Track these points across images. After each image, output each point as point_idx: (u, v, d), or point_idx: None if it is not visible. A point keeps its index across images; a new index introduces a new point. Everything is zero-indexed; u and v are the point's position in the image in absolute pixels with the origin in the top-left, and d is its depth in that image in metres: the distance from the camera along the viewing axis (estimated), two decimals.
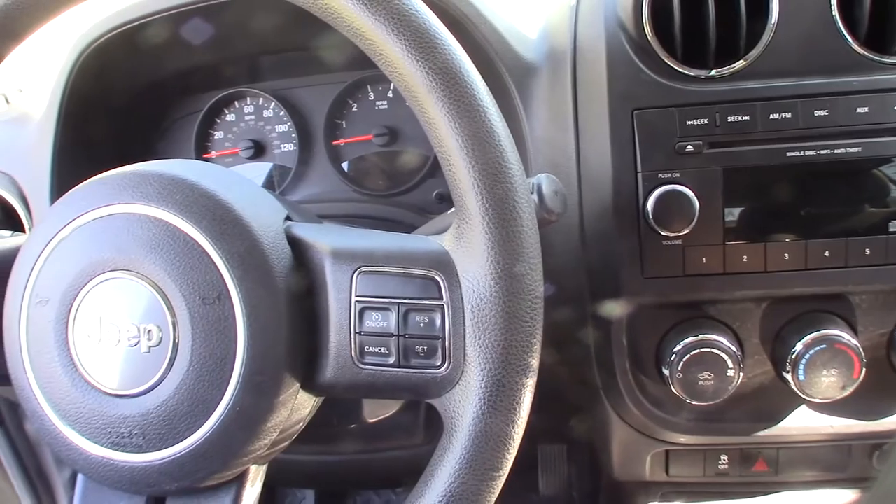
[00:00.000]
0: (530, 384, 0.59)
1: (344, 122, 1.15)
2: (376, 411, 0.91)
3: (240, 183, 0.68)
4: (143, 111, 1.18)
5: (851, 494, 1.03)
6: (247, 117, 1.18)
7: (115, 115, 1.15)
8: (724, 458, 1.01)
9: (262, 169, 1.18)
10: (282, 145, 1.17)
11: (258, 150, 1.17)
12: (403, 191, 1.11)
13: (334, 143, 1.15)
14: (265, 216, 0.65)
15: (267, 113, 1.17)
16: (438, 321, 0.60)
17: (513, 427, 0.58)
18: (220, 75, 1.16)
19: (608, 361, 0.94)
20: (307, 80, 1.16)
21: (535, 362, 0.59)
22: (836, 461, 1.01)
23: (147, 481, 0.63)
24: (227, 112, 1.19)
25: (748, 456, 1.01)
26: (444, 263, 0.60)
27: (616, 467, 1.06)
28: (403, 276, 0.61)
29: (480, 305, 0.58)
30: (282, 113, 1.16)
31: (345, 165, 1.15)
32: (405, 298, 0.61)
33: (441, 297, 0.60)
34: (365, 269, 0.62)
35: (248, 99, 1.18)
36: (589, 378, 0.97)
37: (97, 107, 1.11)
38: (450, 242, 0.61)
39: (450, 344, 0.59)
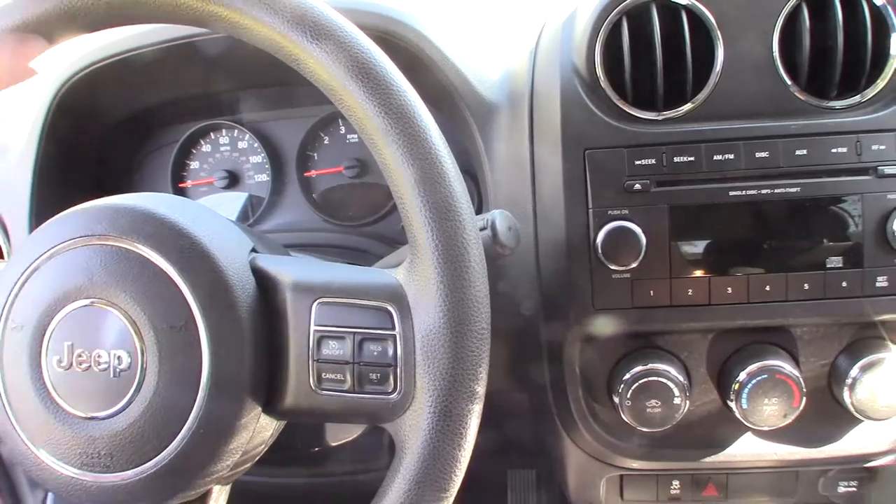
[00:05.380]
0: (477, 410, 0.63)
1: (316, 154, 1.19)
2: (339, 435, 0.94)
3: (208, 216, 0.72)
4: (121, 143, 1.21)
5: None
6: (222, 148, 1.22)
7: (93, 147, 1.19)
8: (675, 483, 1.04)
9: (238, 199, 1.22)
10: (255, 176, 1.21)
11: (232, 180, 1.20)
12: (372, 221, 1.15)
13: (306, 174, 1.19)
14: (231, 248, 0.68)
15: (241, 144, 1.21)
16: (391, 350, 0.64)
17: (459, 450, 0.62)
18: (197, 108, 1.20)
19: (562, 389, 0.98)
20: (281, 114, 1.20)
21: (481, 390, 0.63)
22: (783, 487, 1.05)
23: (115, 500, 0.65)
24: (202, 143, 1.22)
25: (699, 481, 1.04)
26: (397, 296, 0.64)
27: (572, 491, 1.09)
28: (359, 307, 0.65)
29: (430, 336, 0.62)
30: (256, 145, 1.20)
31: (316, 196, 1.19)
32: (360, 328, 0.64)
33: (393, 328, 0.64)
34: (323, 300, 0.66)
35: (224, 131, 1.22)
36: (545, 405, 1.00)
37: (76, 139, 1.14)
38: (403, 276, 0.65)
39: (401, 371, 0.63)
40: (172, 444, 0.64)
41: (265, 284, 0.68)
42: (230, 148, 1.22)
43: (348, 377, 0.64)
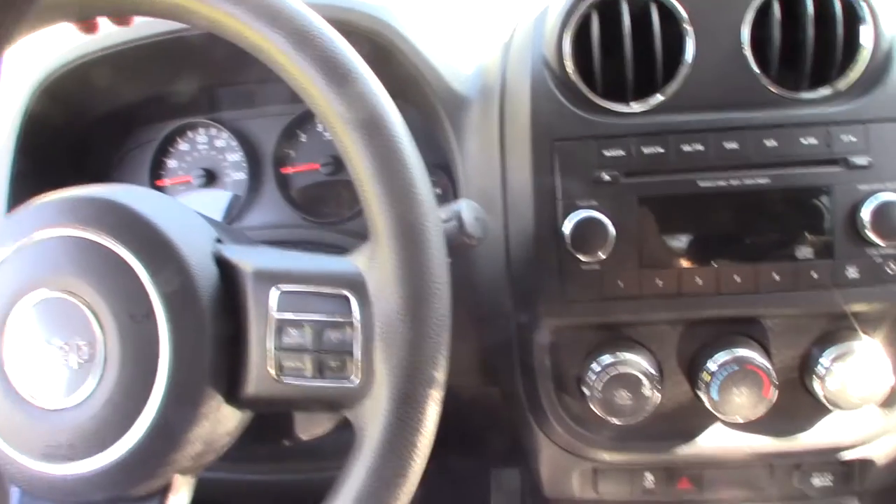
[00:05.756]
0: (436, 396, 0.63)
1: (293, 152, 1.19)
2: (309, 429, 0.93)
3: (172, 207, 0.72)
4: (100, 141, 1.22)
5: None
6: (199, 146, 1.22)
7: (71, 144, 1.18)
8: (649, 476, 1.04)
9: (222, 198, 1.22)
10: (233, 174, 1.21)
11: (210, 178, 1.20)
12: (349, 218, 1.15)
13: (283, 171, 1.19)
14: (194, 238, 0.69)
15: (219, 142, 1.21)
16: (350, 337, 0.64)
17: (418, 437, 0.62)
18: (175, 106, 1.20)
19: (532, 381, 0.98)
20: (258, 112, 1.20)
21: (440, 376, 0.63)
22: (758, 480, 1.04)
23: (75, 492, 0.66)
24: (180, 141, 1.23)
25: (672, 475, 1.04)
26: (356, 283, 0.65)
27: (546, 485, 1.08)
28: (318, 295, 0.65)
29: (389, 323, 0.62)
30: (233, 143, 1.20)
31: (293, 193, 1.19)
32: (319, 315, 0.65)
33: (352, 315, 0.64)
34: (283, 287, 0.66)
35: (201, 129, 1.22)
36: (516, 398, 1.00)
37: (54, 136, 1.15)
38: (363, 263, 0.65)
39: (361, 359, 0.64)
40: (133, 433, 0.64)
41: (227, 273, 0.68)
42: (208, 146, 1.22)
43: (308, 365, 0.65)
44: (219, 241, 0.72)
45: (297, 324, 0.65)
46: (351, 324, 0.64)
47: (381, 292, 0.63)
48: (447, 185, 1.11)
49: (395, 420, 0.61)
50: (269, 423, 0.91)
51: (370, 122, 0.62)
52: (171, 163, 1.23)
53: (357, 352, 0.64)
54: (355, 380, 0.64)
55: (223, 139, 1.21)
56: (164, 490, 0.68)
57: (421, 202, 0.63)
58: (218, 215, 1.19)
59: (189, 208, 0.75)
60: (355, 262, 0.66)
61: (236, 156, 1.20)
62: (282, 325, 0.65)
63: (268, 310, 0.66)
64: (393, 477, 0.62)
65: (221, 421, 0.68)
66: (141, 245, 0.66)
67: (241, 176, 1.20)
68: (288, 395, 0.66)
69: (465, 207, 0.77)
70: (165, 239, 0.66)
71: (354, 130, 0.62)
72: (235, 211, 1.20)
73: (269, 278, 0.66)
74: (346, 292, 0.64)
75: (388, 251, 0.62)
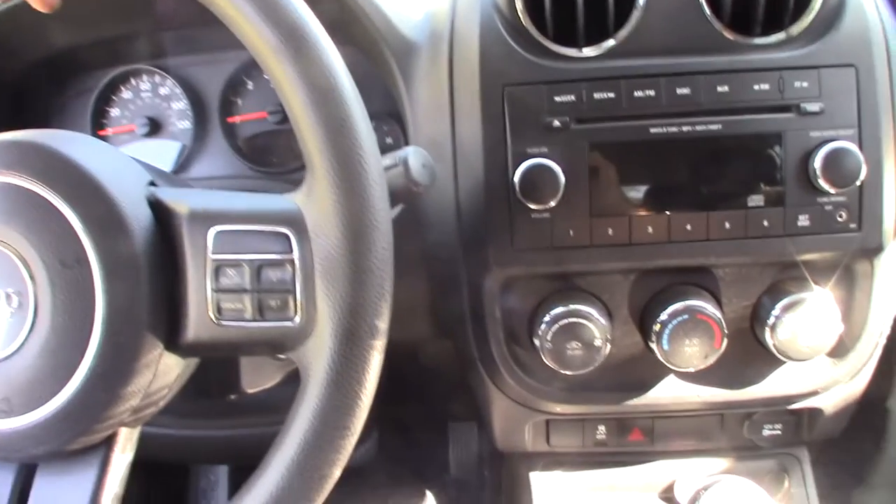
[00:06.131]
0: (382, 331, 0.62)
1: (239, 100, 1.15)
2: (255, 382, 0.92)
3: (101, 150, 0.69)
4: (36, 88, 1.17)
5: (725, 462, 1.07)
6: (143, 94, 1.18)
7: (7, 92, 1.14)
8: (601, 428, 1.04)
9: (172, 148, 1.18)
10: (178, 123, 1.17)
11: (154, 127, 1.17)
12: (297, 168, 1.12)
13: (229, 120, 1.15)
14: (125, 181, 0.66)
15: (163, 90, 1.17)
16: (289, 275, 0.62)
17: (365, 374, 0.61)
18: (116, 52, 1.16)
19: (483, 333, 0.96)
20: (203, 58, 1.16)
21: (385, 311, 0.62)
22: (709, 431, 1.05)
23: (14, 447, 0.63)
24: (123, 89, 1.18)
25: (624, 426, 1.04)
26: (294, 220, 0.62)
27: (498, 438, 1.08)
28: (256, 234, 0.63)
29: (328, 259, 0.61)
30: (178, 90, 1.16)
31: (240, 143, 1.16)
32: (257, 254, 0.63)
33: (291, 252, 0.62)
34: (219, 227, 0.63)
35: (145, 76, 1.18)
36: (468, 351, 0.99)
37: None
38: (301, 200, 0.63)
39: (301, 297, 0.62)
40: (70, 384, 0.61)
41: (161, 216, 0.65)
42: (151, 94, 1.18)
43: (248, 305, 0.63)
44: (152, 184, 0.69)
45: (234, 264, 0.63)
46: (291, 261, 0.62)
47: (319, 227, 0.61)
48: (398, 134, 1.09)
49: (339, 358, 0.60)
50: (216, 377, 0.89)
51: (302, 50, 0.60)
52: (114, 111, 1.18)
53: (298, 290, 0.62)
54: (297, 319, 0.62)
55: (167, 87, 1.17)
56: (108, 444, 0.66)
57: (357, 131, 0.61)
58: (168, 166, 1.15)
59: (120, 151, 0.72)
60: (293, 199, 0.64)
61: (181, 104, 1.17)
62: (219, 266, 0.63)
63: (205, 251, 0.63)
64: (340, 415, 0.61)
65: (162, 370, 0.65)
66: (69, 189, 0.62)
67: (186, 125, 1.17)
68: (229, 338, 0.64)
69: (412, 154, 0.75)
70: (95, 182, 0.63)
71: (286, 59, 0.60)
72: (183, 161, 1.16)
73: (205, 219, 0.64)
74: (284, 229, 0.62)
75: (325, 184, 0.60)
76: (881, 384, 1.05)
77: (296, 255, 0.62)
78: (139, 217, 0.63)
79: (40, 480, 0.67)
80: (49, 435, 0.62)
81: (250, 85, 1.15)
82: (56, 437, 0.63)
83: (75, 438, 0.63)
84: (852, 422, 1.05)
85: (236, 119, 1.15)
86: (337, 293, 0.60)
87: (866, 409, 1.04)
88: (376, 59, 1.01)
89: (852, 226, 0.89)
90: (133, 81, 1.18)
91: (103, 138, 1.18)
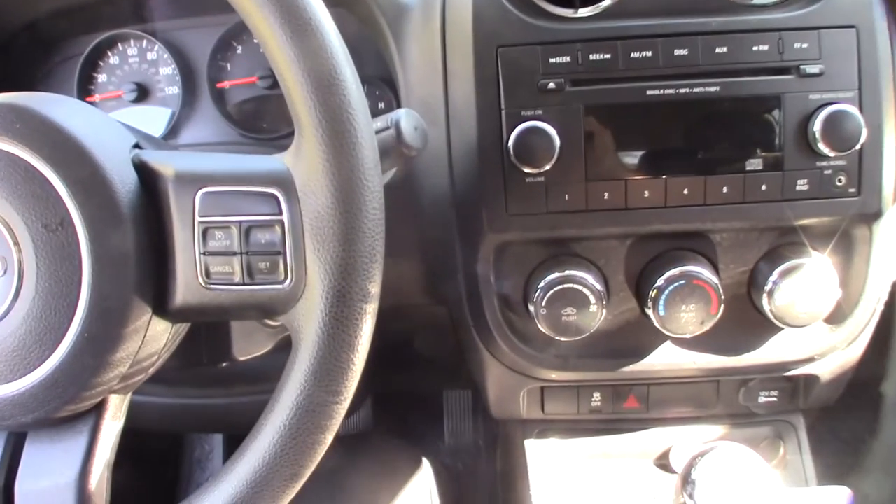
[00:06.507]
0: (374, 295, 0.60)
1: (228, 65, 1.13)
2: (247, 349, 0.91)
3: (84, 111, 0.68)
4: (21, 53, 1.14)
5: (721, 429, 1.07)
6: (130, 60, 1.15)
7: None
8: (596, 395, 1.04)
9: (163, 114, 1.16)
10: (167, 88, 1.15)
11: (142, 93, 1.14)
12: (287, 134, 1.10)
13: (219, 85, 1.13)
14: (109, 143, 0.64)
15: (151, 55, 1.15)
16: (279, 237, 0.61)
17: (356, 336, 0.60)
18: (102, 16, 1.13)
19: (477, 300, 0.95)
20: (191, 22, 1.14)
21: (377, 272, 0.60)
22: (704, 398, 1.04)
23: (1, 415, 0.62)
24: (110, 55, 1.16)
25: (619, 393, 1.04)
26: (283, 180, 0.61)
27: (493, 406, 1.07)
28: (244, 195, 0.62)
29: (318, 219, 0.59)
30: (165, 55, 1.13)
31: (230, 108, 1.14)
32: (246, 216, 0.61)
33: (280, 213, 0.61)
34: (207, 189, 0.62)
35: (132, 41, 1.15)
36: (462, 318, 0.98)
37: None
38: (290, 159, 0.61)
39: (291, 258, 0.60)
40: (57, 351, 0.61)
41: (147, 178, 0.63)
42: (139, 59, 1.15)
43: (237, 268, 0.61)
44: (137, 146, 0.67)
45: (223, 226, 0.61)
46: (280, 223, 0.60)
47: (308, 187, 0.60)
48: (390, 98, 1.07)
49: (330, 320, 0.59)
50: (207, 345, 0.88)
51: (290, 7, 0.58)
52: (101, 77, 1.16)
53: (287, 252, 0.60)
54: (287, 282, 0.61)
55: (155, 52, 1.14)
56: (97, 411, 0.66)
57: (347, 89, 0.59)
58: (158, 132, 1.13)
59: (103, 114, 0.71)
60: (282, 159, 0.62)
61: (169, 69, 1.14)
62: (207, 229, 0.61)
63: (192, 213, 0.62)
64: (331, 379, 0.60)
65: (151, 335, 0.64)
66: (51, 151, 0.61)
67: (174, 91, 1.14)
68: (218, 302, 0.62)
69: (404, 116, 0.73)
70: (77, 144, 0.61)
71: (271, 14, 0.58)
72: (172, 127, 1.14)
73: (192, 180, 0.62)
74: (272, 190, 0.61)
75: (313, 142, 0.59)
76: (874, 367, 1.04)
77: (285, 216, 0.60)
78: (124, 179, 0.62)
79: (30, 448, 0.66)
80: (37, 402, 0.61)
81: (239, 49, 1.13)
82: (44, 404, 0.62)
83: (64, 406, 0.62)
84: (845, 403, 1.04)
85: (225, 84, 1.13)
86: (327, 254, 0.59)
87: (860, 393, 1.04)
88: (367, 20, 0.99)
89: (851, 190, 0.87)
90: (120, 46, 1.15)
91: (90, 104, 1.16)
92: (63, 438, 0.65)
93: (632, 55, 0.85)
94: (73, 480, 0.64)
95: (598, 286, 0.89)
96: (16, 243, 0.61)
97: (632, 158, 0.87)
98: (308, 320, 0.60)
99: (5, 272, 0.61)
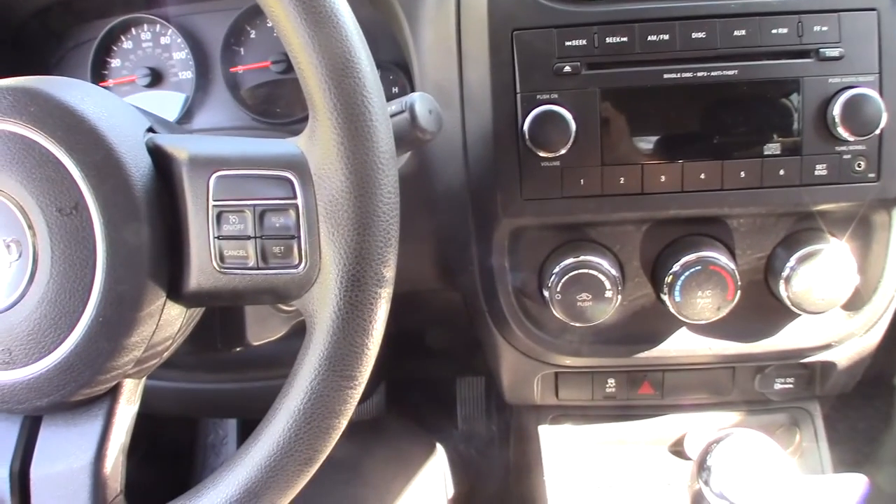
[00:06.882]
0: (388, 279, 0.60)
1: (242, 49, 1.13)
2: (261, 334, 0.90)
3: (97, 95, 0.67)
4: (36, 40, 1.15)
5: (736, 416, 1.06)
6: (144, 45, 1.15)
7: (6, 45, 1.12)
8: (611, 381, 1.03)
9: (177, 99, 1.16)
10: (180, 73, 1.15)
11: (156, 77, 1.14)
12: (301, 119, 1.10)
13: (232, 70, 1.13)
14: (123, 126, 0.64)
15: (164, 40, 1.15)
16: (293, 221, 0.60)
17: (371, 320, 0.60)
18: (115, 1, 1.13)
19: (492, 285, 0.95)
20: (204, 6, 1.13)
21: (391, 257, 0.60)
22: (720, 384, 1.04)
23: (17, 399, 0.62)
24: (123, 40, 1.16)
25: (634, 379, 1.03)
26: (297, 163, 0.61)
27: (507, 392, 1.07)
28: (258, 178, 0.61)
29: (333, 202, 0.59)
30: (179, 40, 1.13)
31: (243, 93, 1.13)
32: (260, 200, 0.61)
33: (295, 197, 0.60)
34: (221, 172, 0.62)
35: (146, 26, 1.15)
36: (477, 303, 0.98)
37: None
38: (304, 143, 0.61)
39: (305, 243, 0.60)
40: (72, 335, 0.61)
41: (161, 162, 0.63)
42: (152, 44, 1.15)
43: (251, 252, 0.61)
44: (151, 130, 0.67)
45: (237, 209, 0.61)
46: (294, 206, 0.60)
47: (322, 171, 0.59)
48: (405, 83, 1.06)
49: (345, 305, 0.59)
50: (221, 330, 0.88)
51: None
52: (115, 62, 1.16)
53: (302, 236, 0.60)
54: (301, 266, 0.60)
55: (168, 36, 1.14)
56: (112, 395, 0.66)
57: (361, 72, 0.59)
58: (172, 117, 1.13)
59: (117, 97, 0.70)
60: (296, 142, 0.62)
61: (182, 54, 1.14)
62: (221, 212, 0.61)
63: (206, 197, 0.62)
64: (346, 364, 0.59)
65: (165, 319, 0.64)
66: (65, 134, 0.61)
67: (188, 75, 1.14)
68: (232, 286, 0.62)
69: (419, 100, 0.73)
70: (91, 127, 0.61)
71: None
72: (185, 112, 1.14)
73: (206, 164, 0.62)
74: (287, 174, 0.60)
75: (328, 126, 0.58)
76: (889, 359, 1.03)
77: (299, 199, 0.60)
78: (138, 163, 0.62)
79: (46, 432, 0.66)
80: (52, 386, 0.62)
81: (253, 34, 1.12)
82: (60, 388, 0.62)
83: (79, 390, 0.63)
84: (862, 392, 1.04)
85: (239, 69, 1.13)
86: (342, 238, 0.58)
87: (877, 382, 1.03)
88: (381, 3, 0.98)
89: (871, 175, 0.86)
90: (133, 31, 1.15)
91: (105, 89, 1.16)
92: (78, 422, 0.65)
93: (649, 38, 0.84)
94: (88, 464, 0.64)
95: (614, 272, 0.88)
96: (30, 227, 0.61)
97: (648, 143, 0.86)
98: (322, 305, 0.60)
99: (20, 256, 0.61)
